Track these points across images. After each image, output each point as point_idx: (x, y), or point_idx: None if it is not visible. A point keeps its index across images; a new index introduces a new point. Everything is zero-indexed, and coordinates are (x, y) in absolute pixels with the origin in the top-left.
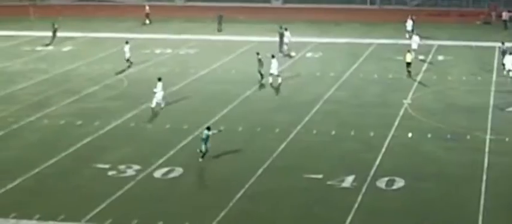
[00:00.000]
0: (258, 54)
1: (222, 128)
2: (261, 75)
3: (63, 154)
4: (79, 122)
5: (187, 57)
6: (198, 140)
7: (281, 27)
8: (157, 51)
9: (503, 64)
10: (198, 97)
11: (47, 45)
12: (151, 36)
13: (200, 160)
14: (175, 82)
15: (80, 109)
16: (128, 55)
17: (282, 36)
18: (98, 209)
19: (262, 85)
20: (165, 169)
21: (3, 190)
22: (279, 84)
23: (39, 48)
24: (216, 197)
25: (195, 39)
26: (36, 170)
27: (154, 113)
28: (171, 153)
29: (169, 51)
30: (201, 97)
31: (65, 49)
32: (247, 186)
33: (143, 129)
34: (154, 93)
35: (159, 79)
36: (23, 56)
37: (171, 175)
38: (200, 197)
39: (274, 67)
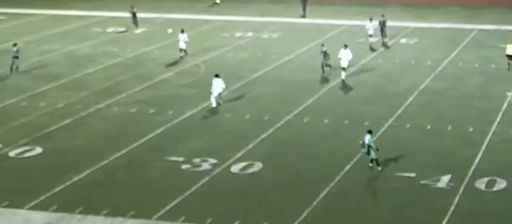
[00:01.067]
0: (322, 45)
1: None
2: (326, 66)
3: (133, 145)
4: (151, 110)
5: (270, 41)
6: (279, 132)
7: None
8: (238, 34)
9: None
10: (280, 86)
11: (135, 28)
12: (231, 18)
13: (371, 165)
14: (257, 68)
15: (152, 96)
16: (182, 45)
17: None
18: (170, 206)
19: (325, 79)
20: (243, 164)
21: (69, 182)
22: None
23: (110, 30)
24: (298, 195)
25: (279, 22)
26: (105, 162)
27: (223, 105)
28: (250, 146)
29: (250, 34)
30: (283, 85)
31: (138, 31)
32: (332, 184)
33: (220, 120)
34: (211, 93)
35: (217, 76)
36: (92, 38)
37: (250, 170)
38: (281, 194)
39: (344, 59)
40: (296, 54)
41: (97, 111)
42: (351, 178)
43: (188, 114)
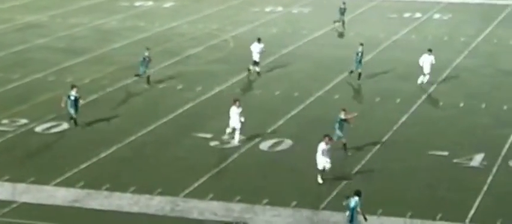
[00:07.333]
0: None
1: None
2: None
3: (161, 122)
4: (179, 86)
5: (300, 16)
6: (309, 109)
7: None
8: (268, 9)
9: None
10: (310, 62)
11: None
12: None
13: None
14: (287, 44)
15: (180, 72)
16: (256, 56)
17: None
18: (198, 183)
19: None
20: (272, 141)
21: (96, 159)
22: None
23: (137, 4)
24: (331, 174)
25: None
26: (132, 138)
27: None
28: (280, 122)
29: (280, 9)
30: (313, 62)
31: (166, 5)
32: (363, 162)
33: (250, 96)
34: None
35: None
36: (120, 12)
37: (279, 148)
38: (311, 174)
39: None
40: (327, 29)
41: (124, 87)
42: (380, 157)
43: (217, 90)
